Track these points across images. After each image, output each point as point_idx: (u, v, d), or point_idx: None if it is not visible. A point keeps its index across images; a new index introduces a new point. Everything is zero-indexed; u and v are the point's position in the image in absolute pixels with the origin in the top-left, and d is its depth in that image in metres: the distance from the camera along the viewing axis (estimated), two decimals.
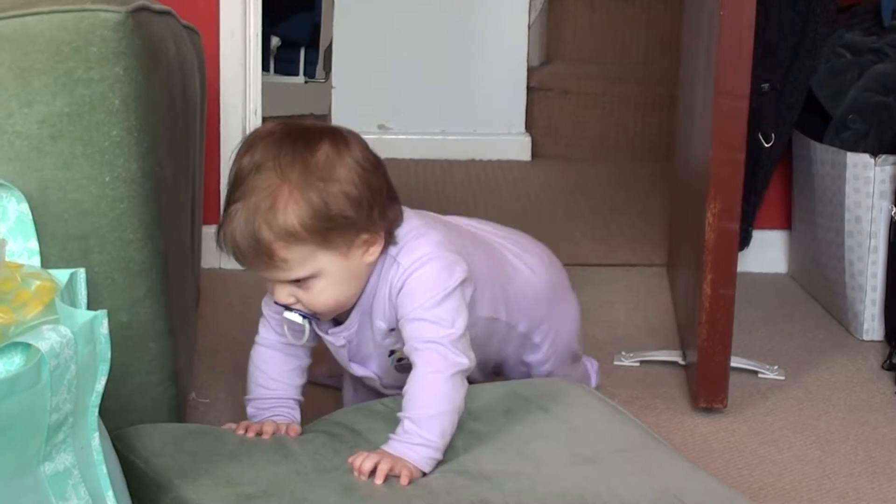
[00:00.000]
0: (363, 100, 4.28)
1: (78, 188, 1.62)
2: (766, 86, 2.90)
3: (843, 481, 2.17)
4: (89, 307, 1.54)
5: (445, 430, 1.65)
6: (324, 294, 1.70)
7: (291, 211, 1.63)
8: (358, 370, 1.88)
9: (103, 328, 1.46)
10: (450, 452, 1.68)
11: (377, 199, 1.69)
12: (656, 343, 2.73)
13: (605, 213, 3.75)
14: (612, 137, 4.29)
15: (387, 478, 1.60)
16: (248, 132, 2.66)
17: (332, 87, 4.33)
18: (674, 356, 2.64)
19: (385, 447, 1.64)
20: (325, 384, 2.20)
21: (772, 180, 3.11)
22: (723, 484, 1.70)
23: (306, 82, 4.85)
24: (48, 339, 1.37)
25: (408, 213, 1.81)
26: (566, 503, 1.56)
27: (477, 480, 1.62)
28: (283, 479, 1.55)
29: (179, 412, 1.85)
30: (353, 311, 1.78)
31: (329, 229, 1.65)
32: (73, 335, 1.40)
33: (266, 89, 2.92)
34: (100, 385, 1.47)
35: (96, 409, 1.47)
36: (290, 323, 1.77)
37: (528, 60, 4.33)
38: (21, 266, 1.50)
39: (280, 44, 4.76)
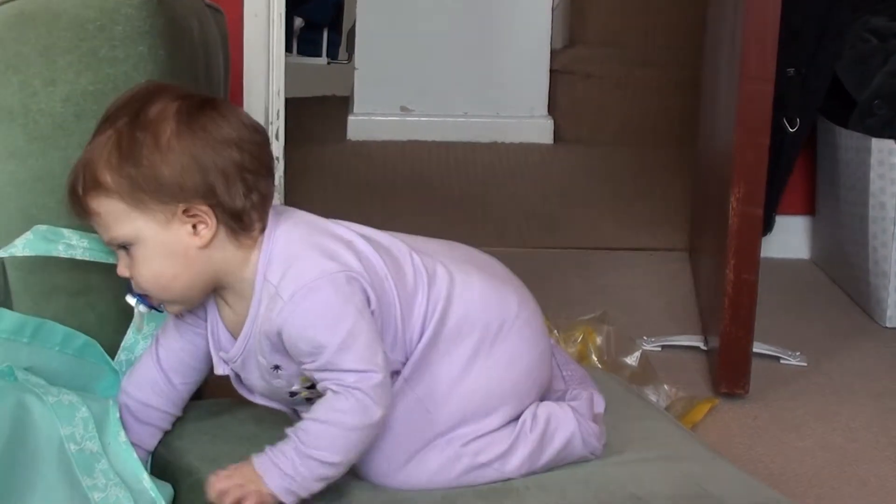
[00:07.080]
0: (386, 81, 4.28)
1: None
2: (790, 70, 2.89)
3: (865, 468, 2.17)
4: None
5: (325, 475, 1.45)
6: (144, 266, 1.47)
7: (104, 160, 1.44)
8: (259, 399, 1.59)
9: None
10: None
11: (219, 176, 1.45)
12: (678, 328, 2.72)
13: (627, 197, 3.74)
14: (634, 121, 4.28)
15: None
16: (270, 113, 2.65)
17: (354, 68, 4.33)
18: (696, 341, 2.64)
19: (256, 458, 1.46)
20: None
21: (795, 166, 3.10)
22: (744, 471, 1.69)
23: (329, 63, 4.85)
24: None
25: (293, 215, 1.51)
26: (588, 490, 1.56)
27: None
28: None
29: (200, 395, 1.85)
30: (239, 336, 1.51)
31: (138, 187, 1.44)
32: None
33: (289, 70, 2.91)
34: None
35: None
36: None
37: (551, 43, 4.31)
38: None
39: (303, 25, 4.76)
